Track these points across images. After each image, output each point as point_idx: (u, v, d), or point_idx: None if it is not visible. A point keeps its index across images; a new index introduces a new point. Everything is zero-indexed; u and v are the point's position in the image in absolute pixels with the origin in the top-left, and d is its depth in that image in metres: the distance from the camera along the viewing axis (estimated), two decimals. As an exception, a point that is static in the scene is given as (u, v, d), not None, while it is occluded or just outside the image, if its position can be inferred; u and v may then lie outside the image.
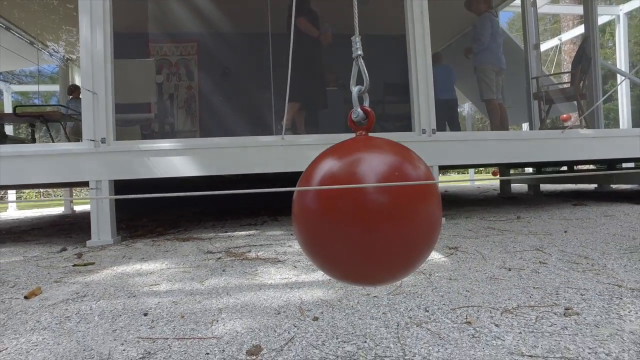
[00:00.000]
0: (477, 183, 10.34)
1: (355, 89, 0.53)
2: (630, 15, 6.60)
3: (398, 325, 0.96)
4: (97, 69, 2.60)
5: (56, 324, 1.05)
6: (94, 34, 2.61)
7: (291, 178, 3.14)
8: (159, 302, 1.19)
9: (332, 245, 0.46)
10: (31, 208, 8.43)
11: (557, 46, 7.92)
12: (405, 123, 3.24)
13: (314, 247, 0.49)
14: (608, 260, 1.49)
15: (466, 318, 0.98)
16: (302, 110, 3.40)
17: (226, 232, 2.80)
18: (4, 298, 1.29)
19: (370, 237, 0.44)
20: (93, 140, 2.55)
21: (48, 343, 0.93)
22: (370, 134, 0.55)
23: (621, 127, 6.43)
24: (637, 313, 0.97)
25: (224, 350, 0.86)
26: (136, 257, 1.95)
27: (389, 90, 4.57)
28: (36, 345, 0.92)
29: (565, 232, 2.15)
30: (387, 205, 0.43)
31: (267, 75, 4.12)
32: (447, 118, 5.03)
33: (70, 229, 3.46)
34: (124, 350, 0.88)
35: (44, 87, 11.49)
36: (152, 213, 4.58)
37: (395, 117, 4.34)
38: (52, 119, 3.45)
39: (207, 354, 0.85)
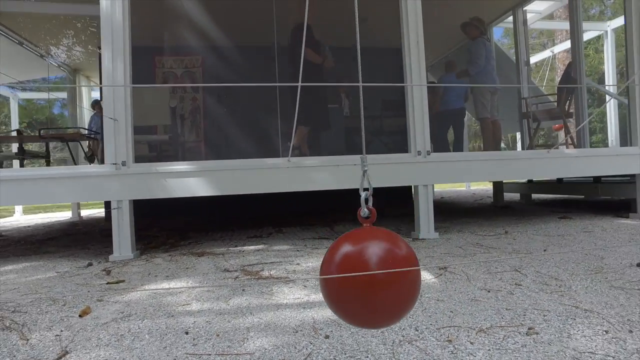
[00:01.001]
0: (472, 187, 10.62)
1: (363, 194, 0.76)
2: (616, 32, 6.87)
3: (393, 343, 1.20)
4: (117, 97, 2.83)
5: (115, 341, 1.28)
6: (115, 65, 2.84)
7: (295, 195, 3.38)
8: (194, 322, 1.43)
9: (347, 305, 0.70)
10: (35, 212, 8.64)
11: (549, 57, 8.19)
12: (402, 137, 3.45)
13: (336, 306, 0.73)
14: (574, 282, 1.74)
15: (448, 337, 1.23)
16: (306, 131, 3.64)
17: (236, 246, 3.03)
18: (63, 316, 1.53)
19: (372, 301, 0.68)
20: (115, 164, 2.78)
21: (115, 358, 1.16)
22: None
23: (610, 144, 6.71)
24: (583, 332, 1.22)
25: (280, 333, 1.10)
26: (161, 274, 2.19)
27: (388, 106, 4.81)
28: (133, 345, 1.15)
29: (545, 250, 2.40)
30: (384, 280, 0.67)
31: (273, 92, 4.35)
32: (454, 125, 5.29)
33: (85, 240, 3.68)
34: (190, 355, 1.12)
35: (46, 95, 11.66)
36: (161, 220, 4.81)
37: (392, 134, 4.59)
38: (73, 139, 3.68)
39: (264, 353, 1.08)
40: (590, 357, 1.06)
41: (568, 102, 4.29)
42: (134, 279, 2.11)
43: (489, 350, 1.13)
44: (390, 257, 0.69)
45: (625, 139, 4.26)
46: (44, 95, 9.99)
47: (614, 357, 1.06)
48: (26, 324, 1.46)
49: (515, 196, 6.23)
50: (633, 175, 3.69)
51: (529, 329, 1.26)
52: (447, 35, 6.18)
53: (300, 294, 1.71)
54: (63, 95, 9.62)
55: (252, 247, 2.94)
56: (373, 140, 4.71)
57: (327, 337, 1.26)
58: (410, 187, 3.31)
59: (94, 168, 2.89)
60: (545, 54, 8.18)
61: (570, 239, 2.74)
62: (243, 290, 1.80)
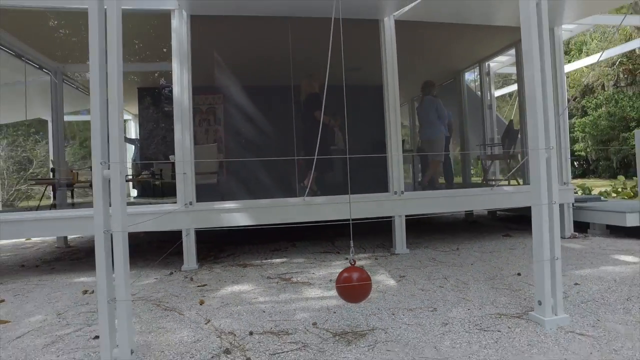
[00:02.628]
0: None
1: (350, 256, 2.03)
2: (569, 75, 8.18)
3: (367, 315, 2.48)
4: (186, 158, 4.11)
5: (229, 315, 2.57)
6: (184, 136, 4.12)
7: (315, 224, 4.64)
8: (264, 307, 2.72)
9: (343, 294, 2.00)
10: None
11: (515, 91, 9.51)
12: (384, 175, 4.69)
13: (340, 295, 2.02)
14: (474, 285, 3.03)
15: (393, 312, 2.52)
16: (315, 174, 4.91)
17: (265, 258, 4.32)
18: (190, 305, 2.81)
19: (353, 294, 1.97)
20: (185, 204, 4.06)
21: (236, 322, 2.44)
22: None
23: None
24: (459, 310, 2.51)
25: (303, 323, 2.38)
26: (227, 280, 3.47)
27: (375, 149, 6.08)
28: (240, 317, 2.43)
29: (472, 264, 3.71)
30: (356, 287, 1.96)
31: (291, 140, 5.61)
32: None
33: (143, 251, 4.93)
34: (270, 320, 2.40)
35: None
36: (199, 236, 6.07)
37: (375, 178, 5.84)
38: (144, 181, 4.93)
39: (300, 324, 2.37)
40: (456, 320, 2.35)
41: (511, 148, 5.61)
42: (211, 283, 3.39)
43: (412, 318, 2.42)
44: (358, 278, 1.99)
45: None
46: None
47: (464, 319, 2.35)
48: (175, 307, 2.75)
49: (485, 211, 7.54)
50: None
51: (434, 309, 2.55)
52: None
53: (318, 292, 3.00)
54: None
55: (278, 260, 4.23)
56: (365, 177, 5.94)
57: (334, 312, 2.55)
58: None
59: (172, 206, 4.15)
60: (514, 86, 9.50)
61: (496, 255, 4.05)
62: (284, 289, 3.09)
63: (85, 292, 3.30)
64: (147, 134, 7.73)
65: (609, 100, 21.08)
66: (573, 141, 23.57)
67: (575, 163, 24.24)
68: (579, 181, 19.13)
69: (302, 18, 4.46)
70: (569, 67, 8.22)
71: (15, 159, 12.98)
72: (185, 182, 4.09)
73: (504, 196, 4.96)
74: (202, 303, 2.84)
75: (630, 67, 21.99)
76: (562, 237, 4.91)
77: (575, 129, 22.74)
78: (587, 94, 23.59)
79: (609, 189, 8.39)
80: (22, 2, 4.12)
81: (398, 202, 4.46)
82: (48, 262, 4.77)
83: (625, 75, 23.17)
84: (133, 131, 10.20)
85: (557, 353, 1.91)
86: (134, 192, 8.42)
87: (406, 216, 4.47)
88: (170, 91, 4.31)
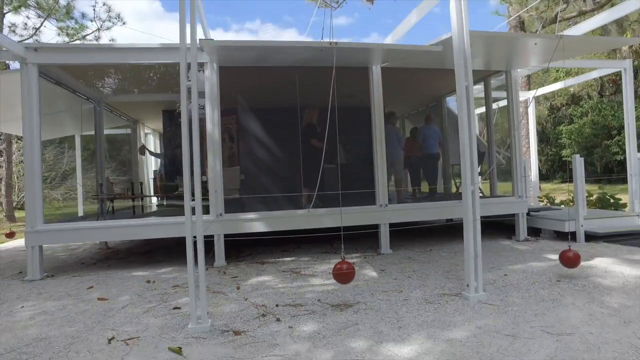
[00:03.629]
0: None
1: (342, 254, 3.17)
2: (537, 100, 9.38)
3: (354, 294, 3.65)
4: (217, 180, 5.27)
5: (262, 295, 3.74)
6: (215, 162, 5.28)
7: (315, 231, 5.81)
8: (284, 291, 3.89)
9: (337, 278, 3.15)
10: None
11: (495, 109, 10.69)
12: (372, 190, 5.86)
13: (334, 277, 3.18)
14: (430, 275, 4.20)
15: (372, 294, 3.69)
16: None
17: (278, 257, 5.48)
18: (231, 289, 3.98)
19: (343, 278, 3.13)
20: (216, 215, 5.23)
21: (268, 299, 3.61)
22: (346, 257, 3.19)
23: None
24: (415, 290, 3.68)
25: (311, 300, 3.55)
26: (252, 273, 4.64)
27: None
28: (268, 296, 3.59)
29: (437, 262, 4.88)
30: (345, 273, 3.11)
31: (297, 159, 6.79)
32: (430, 168, 7.81)
33: (168, 253, 6.08)
34: (288, 298, 3.56)
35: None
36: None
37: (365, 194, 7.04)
38: (178, 196, 6.16)
39: (309, 300, 3.53)
40: (413, 297, 3.52)
41: (479, 166, 6.79)
42: (240, 275, 4.56)
43: (384, 296, 3.59)
44: (347, 267, 3.16)
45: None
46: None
47: (419, 297, 3.51)
48: (221, 291, 3.91)
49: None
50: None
51: (400, 291, 3.72)
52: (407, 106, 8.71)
53: (320, 280, 4.17)
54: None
55: (288, 259, 5.40)
56: (357, 192, 7.12)
57: (332, 293, 3.72)
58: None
59: (207, 216, 5.30)
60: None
61: (459, 255, 5.21)
62: (296, 279, 4.26)
63: (148, 282, 4.47)
64: (171, 151, 8.89)
65: (593, 109, 22.29)
66: (561, 147, 24.80)
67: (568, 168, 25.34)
68: (565, 186, 20.26)
69: (307, 67, 5.62)
70: (541, 90, 9.42)
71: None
72: (216, 198, 5.26)
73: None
74: (238, 288, 4.01)
75: (614, 77, 23.20)
76: (517, 240, 6.10)
77: (563, 136, 23.94)
78: (574, 103, 24.85)
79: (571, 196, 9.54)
80: (124, 59, 5.31)
81: (383, 213, 5.63)
82: (101, 260, 5.94)
83: (610, 85, 24.42)
84: (153, 145, 11.37)
85: (470, 314, 3.08)
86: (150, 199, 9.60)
87: (390, 224, 5.64)
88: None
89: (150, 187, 10.16)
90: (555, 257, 4.80)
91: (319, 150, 6.06)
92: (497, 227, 7.30)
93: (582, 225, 5.70)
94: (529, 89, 12.66)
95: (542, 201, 8.95)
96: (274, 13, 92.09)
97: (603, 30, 13.12)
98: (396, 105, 9.50)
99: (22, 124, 5.01)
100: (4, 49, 4.93)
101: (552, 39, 4.62)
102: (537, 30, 13.15)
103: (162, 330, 3.01)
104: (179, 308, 3.51)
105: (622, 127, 20.36)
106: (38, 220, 4.99)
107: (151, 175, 10.61)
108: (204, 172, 5.69)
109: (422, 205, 6.11)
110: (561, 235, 6.09)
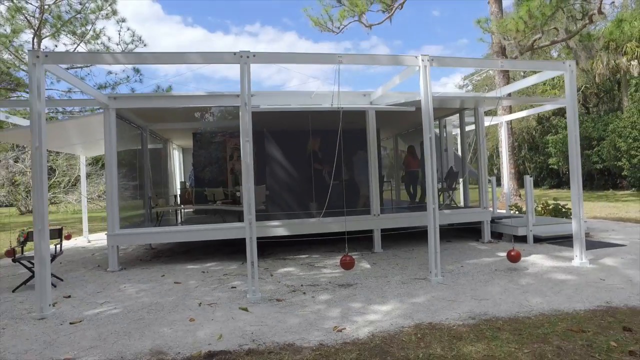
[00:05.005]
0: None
1: (346, 250, 4.79)
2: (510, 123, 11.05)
3: (354, 279, 5.30)
4: (251, 196, 6.92)
5: (294, 281, 5.39)
6: (249, 183, 6.93)
7: (323, 234, 7.47)
8: (305, 276, 5.54)
9: (343, 266, 4.80)
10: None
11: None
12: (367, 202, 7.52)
13: (341, 265, 4.83)
14: (408, 266, 5.86)
15: (366, 278, 5.34)
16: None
17: (296, 255, 7.13)
18: (266, 276, 5.63)
19: (347, 266, 4.78)
20: (249, 223, 6.88)
21: (302, 281, 5.26)
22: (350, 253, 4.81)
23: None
24: (395, 278, 5.33)
25: (324, 282, 5.20)
26: (277, 266, 6.29)
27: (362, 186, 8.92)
28: (294, 280, 5.23)
29: (416, 258, 6.53)
30: (348, 262, 4.76)
31: (309, 174, 8.46)
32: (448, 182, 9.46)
33: (204, 253, 7.72)
34: (308, 281, 5.21)
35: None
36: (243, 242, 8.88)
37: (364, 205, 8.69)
38: (227, 210, 7.78)
39: (323, 282, 5.18)
40: (394, 280, 5.17)
41: (454, 183, 8.45)
42: (270, 267, 6.21)
43: (374, 280, 5.24)
44: (349, 260, 4.82)
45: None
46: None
47: (398, 280, 5.16)
48: (261, 277, 5.56)
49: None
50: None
51: (385, 277, 5.38)
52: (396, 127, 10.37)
53: (329, 270, 5.82)
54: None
55: (303, 256, 7.06)
56: (356, 204, 8.77)
57: (338, 277, 5.37)
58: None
59: (240, 224, 6.93)
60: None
61: (422, 253, 6.85)
62: (311, 269, 5.92)
63: (203, 272, 6.12)
64: (201, 166, 10.56)
65: (576, 120, 23.95)
66: (548, 156, 26.46)
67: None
68: (552, 192, 21.83)
69: (316, 111, 7.28)
70: (512, 116, 11.08)
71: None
72: (248, 209, 6.91)
73: (446, 216, 7.79)
74: (272, 275, 5.66)
75: (596, 91, 24.94)
76: (482, 242, 7.74)
77: (549, 145, 25.62)
78: (561, 115, 26.51)
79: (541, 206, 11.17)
80: (183, 104, 6.97)
81: (376, 221, 7.28)
82: (154, 257, 7.59)
83: (592, 98, 26.13)
84: (178, 158, 13.04)
85: (429, 290, 4.72)
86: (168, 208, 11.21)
87: (381, 229, 7.30)
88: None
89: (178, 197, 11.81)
90: (504, 254, 6.46)
91: (326, 171, 7.76)
92: (471, 231, 8.95)
93: (531, 230, 7.36)
94: (511, 112, 14.32)
95: (512, 210, 10.59)
96: (274, 15, 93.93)
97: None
98: (389, 128, 11.19)
99: (105, 153, 6.68)
100: (92, 97, 6.60)
101: (494, 100, 6.30)
102: (516, 56, 14.85)
103: (230, 299, 4.67)
104: (235, 287, 5.16)
105: (602, 138, 22.08)
106: (115, 226, 6.64)
107: (178, 186, 12.28)
108: (239, 189, 7.35)
109: (407, 214, 7.77)
110: (518, 238, 7.74)
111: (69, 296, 5.02)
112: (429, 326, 3.60)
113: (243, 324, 3.84)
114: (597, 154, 22.08)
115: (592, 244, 6.89)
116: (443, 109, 8.98)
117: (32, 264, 5.62)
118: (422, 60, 5.17)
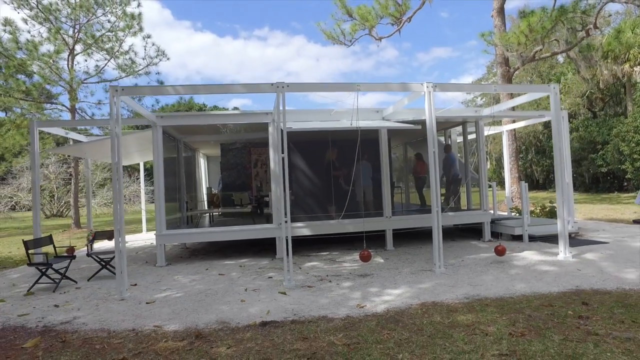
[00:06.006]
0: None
1: (364, 246, 5.78)
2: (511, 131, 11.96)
3: (370, 270, 6.29)
4: (281, 202, 7.96)
5: (320, 273, 6.40)
6: (280, 190, 7.97)
7: (341, 234, 8.48)
8: (328, 269, 6.55)
9: (362, 259, 5.80)
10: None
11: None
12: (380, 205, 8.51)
13: (360, 258, 5.83)
14: (416, 260, 6.83)
15: (380, 270, 6.32)
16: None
17: (317, 253, 8.15)
18: (295, 269, 6.65)
19: (365, 258, 5.78)
20: (279, 224, 7.91)
21: (326, 272, 6.28)
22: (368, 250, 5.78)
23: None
24: (402, 271, 6.31)
25: (345, 273, 6.20)
26: (304, 261, 7.31)
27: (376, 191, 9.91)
28: (319, 272, 6.24)
29: (423, 254, 7.50)
30: (366, 256, 5.75)
31: (329, 181, 9.49)
32: (454, 188, 10.39)
33: (235, 251, 8.76)
34: (331, 272, 6.21)
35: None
36: (268, 240, 9.92)
37: (377, 208, 9.66)
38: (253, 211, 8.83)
39: (344, 273, 6.19)
40: (404, 271, 6.15)
41: (457, 187, 9.39)
42: (297, 262, 7.23)
43: (387, 271, 6.23)
44: (367, 254, 5.81)
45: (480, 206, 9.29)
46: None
47: (407, 271, 6.14)
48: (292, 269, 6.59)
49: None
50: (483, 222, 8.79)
51: (396, 269, 6.36)
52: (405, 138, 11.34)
53: (349, 264, 6.82)
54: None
55: (324, 253, 8.07)
56: (371, 207, 9.75)
57: (357, 269, 6.37)
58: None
59: (269, 225, 7.96)
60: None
61: (426, 250, 7.81)
62: (333, 264, 6.93)
63: (240, 266, 7.16)
64: (227, 173, 11.65)
65: (582, 125, 24.65)
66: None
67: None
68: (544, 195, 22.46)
69: (336, 130, 8.30)
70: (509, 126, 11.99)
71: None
72: (279, 213, 7.96)
73: (450, 217, 8.75)
74: (300, 268, 6.68)
75: (601, 95, 25.59)
76: (483, 241, 8.67)
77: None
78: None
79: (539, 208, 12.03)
80: (221, 121, 8.06)
81: (388, 222, 8.27)
82: (192, 255, 8.66)
83: (598, 102, 26.75)
84: (204, 165, 14.16)
85: (434, 278, 5.69)
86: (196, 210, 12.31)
87: (393, 229, 8.28)
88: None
89: (205, 201, 12.93)
90: (500, 251, 7.39)
91: (343, 178, 8.79)
92: (473, 231, 9.87)
93: (526, 230, 8.27)
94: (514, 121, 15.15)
95: (513, 212, 11.47)
96: (282, 19, 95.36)
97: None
98: (398, 138, 12.17)
99: (154, 163, 7.78)
100: (143, 116, 7.72)
101: (488, 116, 7.26)
102: (518, 67, 15.73)
103: (269, 286, 5.70)
104: (271, 277, 6.19)
105: (606, 142, 22.75)
106: (163, 227, 7.73)
107: (204, 191, 13.40)
108: (268, 194, 8.39)
109: (416, 216, 8.75)
110: (515, 237, 8.65)
111: (135, 284, 6.10)
112: (432, 304, 4.58)
113: (284, 303, 4.86)
114: (602, 158, 22.73)
115: (579, 242, 7.79)
116: (449, 122, 9.94)
117: (101, 258, 6.75)
118: (427, 87, 6.16)
